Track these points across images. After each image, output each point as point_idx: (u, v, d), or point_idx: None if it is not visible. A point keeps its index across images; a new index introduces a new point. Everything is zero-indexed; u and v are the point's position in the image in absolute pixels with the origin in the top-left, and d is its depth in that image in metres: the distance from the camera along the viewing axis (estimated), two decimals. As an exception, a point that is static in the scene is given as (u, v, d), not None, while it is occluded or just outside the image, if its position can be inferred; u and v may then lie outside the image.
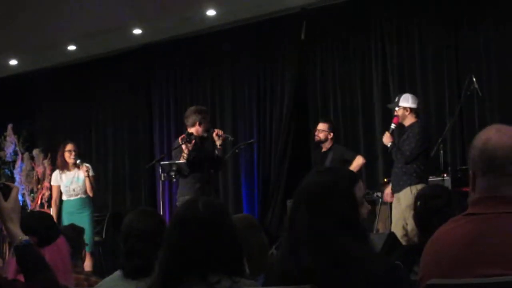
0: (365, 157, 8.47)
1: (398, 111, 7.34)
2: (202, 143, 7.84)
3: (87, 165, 8.68)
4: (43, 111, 12.43)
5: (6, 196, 2.58)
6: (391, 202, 7.42)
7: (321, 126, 8.42)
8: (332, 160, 8.15)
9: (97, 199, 10.46)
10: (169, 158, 8.29)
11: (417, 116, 7.34)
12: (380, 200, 8.14)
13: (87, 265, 7.52)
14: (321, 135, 8.34)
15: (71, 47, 11.26)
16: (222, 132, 7.88)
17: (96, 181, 8.84)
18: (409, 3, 9.34)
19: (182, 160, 7.48)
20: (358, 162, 8.18)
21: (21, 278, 2.58)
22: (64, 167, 8.64)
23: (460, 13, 9.00)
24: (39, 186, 10.93)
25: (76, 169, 8.62)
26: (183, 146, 7.40)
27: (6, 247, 9.32)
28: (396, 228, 6.98)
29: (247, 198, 10.38)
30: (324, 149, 8.38)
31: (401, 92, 7.95)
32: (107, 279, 3.40)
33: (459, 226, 2.33)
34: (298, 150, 9.90)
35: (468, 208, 2.36)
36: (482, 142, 2.32)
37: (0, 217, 2.58)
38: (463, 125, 8.75)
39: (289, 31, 10.15)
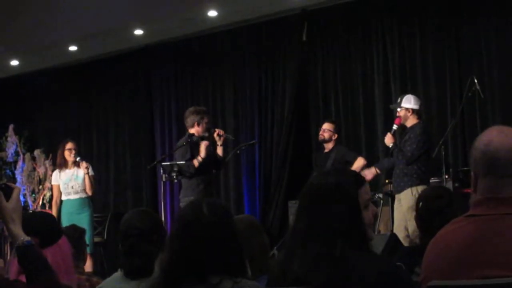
0: (366, 158, 8.46)
1: (400, 112, 7.34)
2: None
3: (87, 163, 8.68)
4: (45, 112, 12.42)
5: (7, 197, 2.58)
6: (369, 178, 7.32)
7: (327, 125, 8.42)
8: (333, 161, 8.15)
9: (98, 199, 10.48)
10: (170, 159, 8.31)
11: (419, 118, 7.35)
12: (382, 201, 8.14)
13: (87, 265, 7.52)
14: (325, 134, 8.34)
15: (72, 48, 11.26)
16: (223, 132, 7.90)
17: (95, 181, 8.83)
18: (410, 4, 9.33)
19: (182, 161, 7.51)
20: (358, 163, 8.17)
21: (23, 278, 2.58)
22: (64, 165, 8.63)
23: (462, 13, 8.99)
24: (41, 186, 10.94)
25: (75, 167, 8.61)
26: (202, 155, 7.45)
27: (7, 248, 9.32)
28: (398, 229, 6.98)
29: (249, 199, 10.38)
30: (326, 150, 8.39)
31: (403, 93, 7.95)
32: (108, 279, 3.41)
33: (460, 227, 2.33)
34: (299, 151, 9.90)
35: (470, 209, 2.36)
36: (484, 144, 2.32)
37: (1, 218, 2.58)
38: (464, 126, 8.74)
39: (291, 32, 10.15)
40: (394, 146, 7.28)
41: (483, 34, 8.81)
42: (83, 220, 8.10)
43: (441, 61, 9.06)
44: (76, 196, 8.54)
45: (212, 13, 10.00)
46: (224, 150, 7.98)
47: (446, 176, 7.73)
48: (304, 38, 9.99)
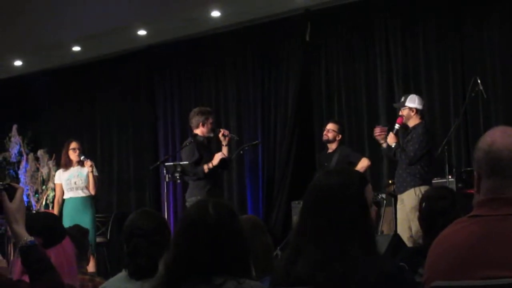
0: (369, 158, 8.46)
1: (404, 111, 7.33)
2: (209, 144, 7.89)
3: (92, 161, 8.67)
4: (48, 112, 12.44)
5: (11, 197, 2.58)
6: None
7: (331, 126, 8.39)
8: (337, 161, 8.13)
9: (102, 200, 10.48)
10: (174, 159, 8.31)
11: (421, 118, 7.34)
12: (385, 201, 8.13)
13: (90, 266, 7.51)
14: (330, 135, 8.31)
15: (76, 48, 11.28)
16: (228, 132, 7.91)
17: (99, 181, 8.81)
18: (414, 4, 9.33)
19: (188, 162, 7.53)
20: (363, 164, 8.16)
21: (26, 279, 2.58)
22: (68, 165, 8.62)
23: (465, 13, 8.99)
24: (44, 187, 10.95)
25: (79, 166, 8.60)
26: (214, 163, 7.46)
27: (11, 248, 9.33)
28: (401, 230, 6.98)
29: (252, 199, 10.38)
30: (329, 150, 8.37)
31: (406, 93, 7.94)
32: (112, 279, 3.41)
33: (464, 228, 2.33)
34: (302, 151, 9.90)
35: (473, 209, 2.36)
36: (487, 144, 2.32)
37: (5, 218, 2.58)
38: (467, 127, 8.74)
39: (294, 32, 10.15)
40: (397, 146, 7.27)
41: (486, 34, 8.81)
42: (85, 221, 8.05)
43: (444, 62, 9.05)
44: (79, 193, 8.50)
45: (215, 13, 10.01)
46: (229, 150, 7.99)
47: (449, 177, 7.73)
48: (307, 39, 9.99)
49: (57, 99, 12.29)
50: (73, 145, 8.65)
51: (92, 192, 8.57)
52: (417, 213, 4.17)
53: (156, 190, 11.12)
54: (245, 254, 2.54)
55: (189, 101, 10.99)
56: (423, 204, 3.98)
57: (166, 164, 7.81)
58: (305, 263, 2.49)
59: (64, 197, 8.60)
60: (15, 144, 11.58)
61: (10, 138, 11.64)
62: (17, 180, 10.92)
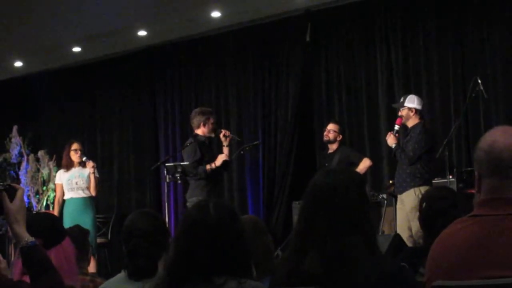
0: (370, 158, 8.46)
1: (403, 112, 7.34)
2: (210, 144, 7.89)
3: (93, 163, 8.67)
4: (48, 113, 12.44)
5: (11, 198, 2.58)
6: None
7: (332, 126, 8.38)
8: (338, 161, 8.12)
9: (102, 201, 10.48)
10: (174, 159, 8.31)
11: (421, 118, 7.35)
12: (386, 202, 8.13)
13: (91, 267, 7.51)
14: (330, 135, 8.30)
15: (76, 49, 11.29)
16: (229, 133, 7.91)
17: (99, 183, 8.81)
18: (414, 4, 9.33)
19: (189, 162, 7.53)
20: (365, 164, 8.15)
21: (27, 279, 2.58)
22: (70, 166, 8.61)
23: (465, 13, 8.98)
24: (44, 187, 10.96)
25: (80, 167, 8.60)
26: (217, 163, 7.47)
27: (11, 249, 9.33)
28: (401, 230, 6.97)
29: (252, 200, 10.38)
30: (330, 151, 8.36)
31: (406, 93, 7.94)
32: (111, 280, 3.40)
33: (464, 227, 2.33)
34: (303, 151, 9.90)
35: (474, 209, 2.36)
36: (488, 144, 2.32)
37: (5, 218, 2.58)
38: (468, 127, 8.74)
39: (294, 33, 10.15)
40: (397, 147, 7.27)
41: (486, 34, 8.80)
42: (86, 221, 8.05)
43: (444, 62, 9.05)
44: (80, 194, 8.50)
45: (216, 14, 10.01)
46: (230, 151, 7.99)
47: (450, 177, 7.73)
48: (307, 39, 9.99)
49: (58, 100, 12.29)
50: (75, 146, 8.65)
51: (93, 193, 8.57)
52: (417, 213, 4.17)
53: (156, 190, 11.13)
54: (245, 254, 2.54)
55: (189, 102, 11.00)
56: (424, 204, 3.97)
57: (167, 164, 7.81)
58: (306, 263, 2.48)
59: (65, 197, 8.59)
60: (15, 145, 11.59)
61: (10, 139, 11.65)
62: (18, 181, 10.92)
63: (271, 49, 10.46)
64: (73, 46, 11.17)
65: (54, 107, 12.37)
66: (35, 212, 9.87)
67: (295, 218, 8.59)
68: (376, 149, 9.33)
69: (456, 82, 8.93)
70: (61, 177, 8.67)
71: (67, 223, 7.85)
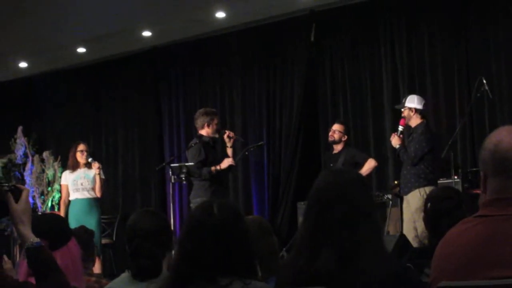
0: (375, 158, 8.44)
1: (404, 112, 7.35)
2: (214, 145, 7.89)
3: (99, 164, 8.67)
4: (53, 114, 12.45)
5: (16, 198, 2.58)
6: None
7: (337, 126, 8.35)
8: (343, 162, 8.11)
9: (107, 201, 10.49)
10: (179, 160, 8.31)
11: (422, 117, 7.34)
12: (391, 202, 8.12)
13: (96, 267, 7.52)
14: (335, 136, 8.28)
15: (81, 50, 11.30)
16: (233, 134, 7.91)
17: (105, 184, 8.81)
18: (418, 4, 9.32)
19: (193, 162, 7.53)
20: (370, 164, 8.14)
21: (32, 280, 2.58)
22: (75, 167, 8.62)
23: (470, 14, 8.97)
24: (49, 188, 10.97)
25: (86, 168, 8.60)
26: (222, 166, 7.48)
27: (17, 249, 9.34)
28: (407, 230, 6.97)
29: (257, 200, 10.38)
30: (335, 151, 8.33)
31: (411, 93, 7.94)
32: (115, 280, 3.39)
33: (470, 228, 2.32)
34: (308, 152, 9.89)
35: (479, 210, 2.35)
36: (493, 144, 2.31)
37: (11, 219, 2.58)
38: (473, 127, 8.73)
39: (299, 33, 10.16)
40: (401, 147, 7.27)
41: (491, 34, 8.79)
42: (91, 222, 8.05)
43: (449, 62, 9.04)
44: (85, 195, 8.50)
45: (220, 14, 10.02)
46: (234, 151, 7.98)
47: (455, 177, 7.72)
48: (312, 39, 10.00)
49: (62, 101, 12.29)
50: (81, 147, 8.65)
51: (98, 195, 8.58)
52: (422, 214, 4.17)
53: (161, 191, 11.13)
54: (250, 254, 2.53)
55: (194, 102, 11.01)
56: (428, 204, 3.97)
57: (172, 165, 7.81)
58: (320, 261, 2.47)
59: (70, 198, 8.60)
60: (20, 146, 11.61)
61: (15, 139, 11.66)
62: (23, 182, 10.93)
63: (276, 49, 10.46)
64: (78, 47, 11.19)
65: (59, 108, 12.37)
66: (40, 213, 9.88)
67: (300, 218, 8.59)
68: (381, 150, 9.33)
69: (461, 82, 8.92)
70: (67, 177, 8.68)
71: (72, 224, 7.84)
